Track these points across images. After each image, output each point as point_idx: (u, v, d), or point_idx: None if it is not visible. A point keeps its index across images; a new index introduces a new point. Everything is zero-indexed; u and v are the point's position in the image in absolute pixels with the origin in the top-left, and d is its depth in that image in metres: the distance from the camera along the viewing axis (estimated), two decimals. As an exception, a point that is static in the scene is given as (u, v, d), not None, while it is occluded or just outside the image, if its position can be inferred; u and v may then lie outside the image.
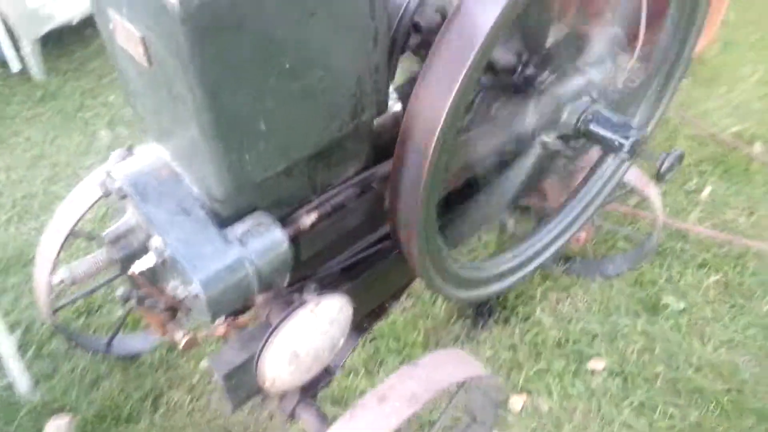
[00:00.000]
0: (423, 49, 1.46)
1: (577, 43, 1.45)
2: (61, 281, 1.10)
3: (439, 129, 1.07)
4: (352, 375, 1.92)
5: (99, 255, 1.14)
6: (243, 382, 1.31)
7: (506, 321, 2.09)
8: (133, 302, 1.29)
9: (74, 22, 3.44)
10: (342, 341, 1.21)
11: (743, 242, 2.29)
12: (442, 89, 1.07)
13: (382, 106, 1.18)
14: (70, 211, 1.65)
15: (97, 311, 2.18)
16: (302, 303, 1.10)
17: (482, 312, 2.13)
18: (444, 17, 1.47)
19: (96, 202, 1.65)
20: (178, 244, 1.05)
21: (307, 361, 1.14)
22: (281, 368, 1.10)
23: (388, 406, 1.12)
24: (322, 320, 1.13)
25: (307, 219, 1.20)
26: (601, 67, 1.46)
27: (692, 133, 2.91)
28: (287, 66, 0.96)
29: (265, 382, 1.12)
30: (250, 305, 1.28)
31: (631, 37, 1.53)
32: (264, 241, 1.09)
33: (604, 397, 1.86)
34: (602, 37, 1.46)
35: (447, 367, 1.24)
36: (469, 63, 1.04)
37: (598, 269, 2.24)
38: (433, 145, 1.08)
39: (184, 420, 1.89)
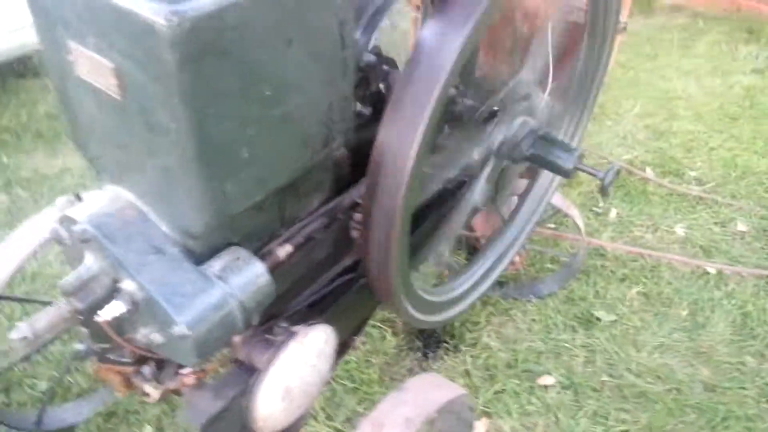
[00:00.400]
0: (360, 88, 1.50)
1: (496, 81, 1.55)
2: (24, 338, 0.99)
3: (414, 156, 1.10)
4: (312, 420, 1.85)
5: (61, 306, 1.04)
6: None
7: (456, 348, 2.11)
8: (92, 360, 1.18)
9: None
10: (328, 375, 1.18)
11: (656, 255, 2.49)
12: (414, 119, 1.10)
13: (349, 135, 1.20)
14: (-7, 275, 1.50)
15: (17, 387, 1.96)
16: (291, 335, 1.07)
17: (430, 343, 2.15)
18: (379, 57, 1.54)
19: (23, 263, 1.51)
20: (155, 285, 0.99)
21: (298, 397, 1.09)
22: (274, 405, 1.05)
23: (384, 433, 1.10)
24: (310, 352, 1.09)
25: (282, 251, 1.17)
26: (533, 98, 1.57)
27: (591, 163, 3.14)
28: (268, 93, 0.96)
29: (257, 422, 1.06)
30: (225, 347, 1.21)
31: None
32: (245, 275, 1.05)
33: (560, 410, 1.92)
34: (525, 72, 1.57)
35: (431, 389, 1.24)
36: (438, 91, 1.09)
37: (532, 291, 2.34)
38: (408, 172, 1.11)
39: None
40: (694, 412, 1.91)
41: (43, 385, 1.97)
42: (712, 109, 3.62)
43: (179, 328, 0.96)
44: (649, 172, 3.11)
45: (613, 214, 2.82)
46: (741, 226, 2.69)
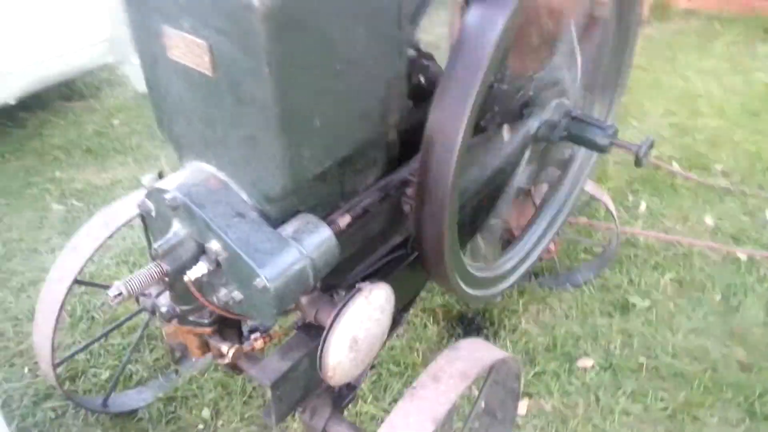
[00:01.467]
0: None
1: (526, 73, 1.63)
2: (119, 294, 1.10)
3: (462, 129, 1.21)
4: (360, 401, 1.94)
5: (152, 268, 1.15)
6: (286, 392, 1.33)
7: (496, 334, 2.19)
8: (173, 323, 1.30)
9: (12, 102, 3.40)
10: (387, 332, 1.27)
11: (688, 243, 2.56)
12: (461, 98, 1.21)
13: (404, 112, 1.31)
14: (73, 260, 1.63)
15: (80, 377, 2.08)
16: (358, 290, 1.17)
17: (470, 330, 2.23)
18: (419, 52, 1.65)
19: (99, 247, 1.64)
20: (240, 243, 1.10)
21: (364, 349, 1.19)
22: (343, 355, 1.15)
23: (443, 384, 1.19)
24: (374, 307, 1.19)
25: (343, 220, 1.28)
26: (566, 81, 1.67)
27: (619, 160, 3.25)
28: (338, 67, 1.08)
29: (327, 371, 1.15)
30: (293, 310, 1.32)
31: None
32: (316, 237, 1.16)
33: (599, 390, 1.98)
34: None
35: (483, 349, 1.32)
36: (482, 71, 1.20)
37: (568, 280, 2.42)
38: (458, 145, 1.22)
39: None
40: (730, 390, 1.96)
41: (105, 375, 2.09)
42: (734, 105, 3.69)
43: (261, 281, 1.07)
44: (675, 166, 3.18)
45: (642, 207, 2.89)
46: (769, 215, 2.75)
